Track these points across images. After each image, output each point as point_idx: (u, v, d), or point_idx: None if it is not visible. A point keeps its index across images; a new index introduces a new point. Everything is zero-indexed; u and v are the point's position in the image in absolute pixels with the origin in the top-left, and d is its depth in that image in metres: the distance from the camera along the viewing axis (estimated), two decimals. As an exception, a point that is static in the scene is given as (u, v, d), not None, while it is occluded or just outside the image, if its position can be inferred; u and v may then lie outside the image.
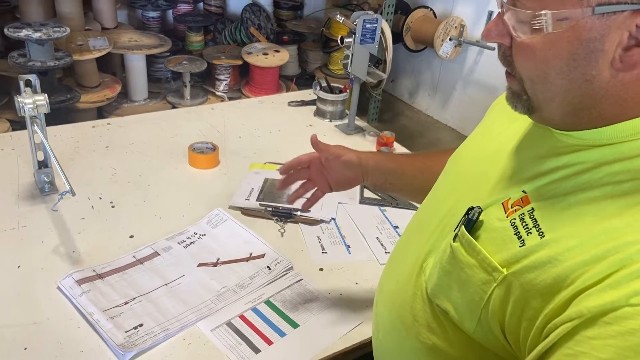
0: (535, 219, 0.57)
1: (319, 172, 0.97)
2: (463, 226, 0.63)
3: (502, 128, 0.74)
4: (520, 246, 0.57)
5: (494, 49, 2.81)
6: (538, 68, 0.55)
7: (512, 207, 0.60)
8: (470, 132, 0.94)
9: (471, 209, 0.63)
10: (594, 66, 0.52)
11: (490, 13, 2.84)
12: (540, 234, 0.56)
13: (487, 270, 0.59)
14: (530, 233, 0.57)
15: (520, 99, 0.60)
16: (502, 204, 0.62)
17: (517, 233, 0.58)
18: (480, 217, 0.62)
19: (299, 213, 1.24)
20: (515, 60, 0.58)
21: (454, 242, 0.64)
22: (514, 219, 0.59)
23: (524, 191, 0.61)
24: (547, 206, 0.58)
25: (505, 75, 0.62)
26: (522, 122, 0.69)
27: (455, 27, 2.90)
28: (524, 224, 0.58)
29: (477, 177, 0.70)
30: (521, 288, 0.56)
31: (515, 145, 0.67)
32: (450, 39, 2.91)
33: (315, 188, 0.99)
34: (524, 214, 0.59)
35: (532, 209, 0.58)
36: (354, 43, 1.50)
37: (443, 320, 0.67)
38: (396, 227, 1.25)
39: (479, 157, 0.73)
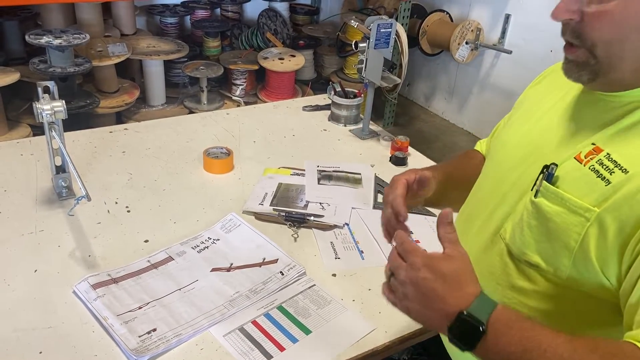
0: (614, 160, 0.65)
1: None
2: (544, 181, 0.70)
3: (550, 103, 0.80)
4: (606, 185, 0.64)
5: (510, 52, 2.78)
6: (617, 30, 0.62)
7: (586, 158, 0.68)
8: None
9: (547, 166, 0.70)
10: None
11: (507, 16, 2.81)
12: (624, 170, 0.63)
13: (577, 213, 0.66)
14: (613, 172, 0.64)
15: (587, 67, 0.67)
16: (575, 158, 0.69)
17: (599, 175, 0.65)
18: (556, 173, 0.70)
19: (312, 218, 1.24)
20: (590, 29, 0.64)
21: (535, 198, 0.71)
22: (592, 165, 0.67)
23: (593, 143, 0.68)
24: (622, 148, 0.65)
25: (565, 50, 0.69)
26: (568, 94, 0.77)
27: (472, 30, 2.88)
28: (604, 166, 0.65)
29: (536, 148, 0.77)
30: (617, 220, 0.62)
31: (569, 113, 0.75)
32: (466, 43, 2.89)
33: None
34: (601, 159, 0.66)
35: (608, 153, 0.66)
36: (368, 48, 1.50)
37: (532, 274, 0.73)
38: (410, 232, 1.24)
39: (533, 133, 0.80)
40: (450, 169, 0.98)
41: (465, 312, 0.61)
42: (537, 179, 0.72)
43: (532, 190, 0.72)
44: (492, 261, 0.79)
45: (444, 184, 0.93)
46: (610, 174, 0.64)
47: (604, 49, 0.64)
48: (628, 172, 0.63)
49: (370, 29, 1.46)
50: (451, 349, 0.93)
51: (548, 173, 0.70)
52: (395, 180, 0.88)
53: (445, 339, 0.94)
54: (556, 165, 0.70)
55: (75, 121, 1.18)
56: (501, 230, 0.77)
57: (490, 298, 0.63)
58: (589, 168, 0.67)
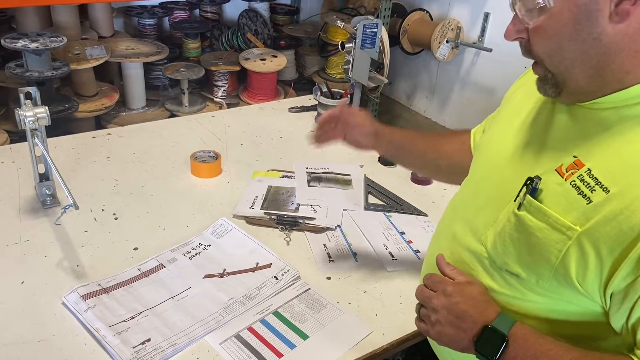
0: (595, 177, 0.65)
1: (342, 126, 1.07)
2: (528, 195, 0.70)
3: (529, 106, 0.81)
4: (587, 204, 0.64)
5: (491, 50, 2.81)
6: (552, 41, 0.65)
7: (567, 172, 0.68)
8: None
9: (530, 179, 0.70)
10: (596, 24, 0.61)
11: (487, 15, 2.84)
12: (604, 189, 0.63)
13: (560, 230, 0.66)
14: (594, 190, 0.64)
15: (547, 81, 0.69)
16: (556, 170, 0.69)
17: (580, 192, 0.65)
18: (539, 186, 0.70)
19: (304, 221, 1.23)
20: (533, 45, 0.68)
21: (519, 210, 0.71)
22: (573, 180, 0.66)
23: (574, 156, 0.68)
24: (602, 162, 0.65)
25: (532, 68, 0.72)
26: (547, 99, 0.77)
27: (452, 29, 2.90)
28: (585, 183, 0.65)
29: (519, 154, 0.77)
30: (600, 242, 0.62)
31: (552, 119, 0.74)
32: (447, 41, 2.91)
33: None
34: (582, 174, 0.66)
35: (589, 169, 0.66)
36: (354, 48, 1.49)
37: (513, 283, 0.74)
38: (402, 232, 1.24)
39: (514, 137, 0.80)
40: (413, 139, 1.07)
41: (489, 326, 0.70)
42: (520, 191, 0.72)
43: (515, 201, 0.73)
44: (472, 262, 0.80)
45: (400, 146, 1.05)
46: (592, 192, 0.64)
47: (549, 61, 0.67)
48: (609, 191, 0.63)
49: (356, 29, 1.46)
50: (440, 352, 0.93)
51: (532, 187, 0.70)
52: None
53: (434, 343, 0.94)
54: (540, 178, 0.70)
55: (53, 126, 1.14)
56: (483, 237, 0.78)
57: (509, 316, 0.72)
58: (571, 184, 0.67)
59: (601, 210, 0.63)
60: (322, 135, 1.07)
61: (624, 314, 0.63)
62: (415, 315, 0.81)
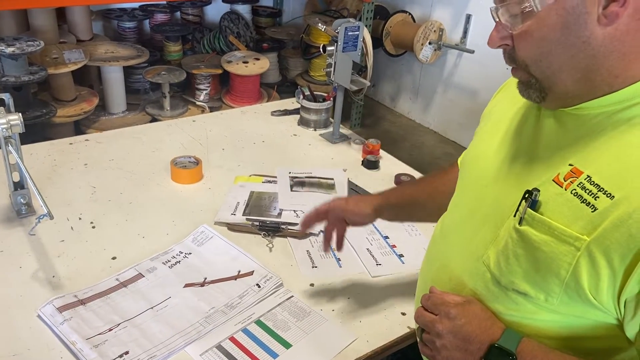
0: (596, 183, 0.62)
1: (337, 217, 1.02)
2: (529, 208, 0.67)
3: (511, 115, 0.79)
4: (592, 211, 0.62)
5: (473, 51, 2.82)
6: (539, 46, 0.64)
7: (565, 181, 0.65)
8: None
9: (529, 192, 0.67)
10: (585, 28, 0.60)
11: (469, 16, 2.85)
12: (609, 195, 0.61)
13: (567, 242, 0.63)
14: (598, 197, 0.62)
15: (531, 86, 0.67)
16: (554, 180, 0.66)
17: (583, 200, 0.63)
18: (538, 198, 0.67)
19: (286, 227, 1.21)
20: (518, 50, 0.66)
21: (520, 226, 0.68)
22: (574, 189, 0.64)
23: (570, 164, 0.66)
24: (601, 168, 0.63)
25: (512, 73, 0.70)
26: (535, 106, 0.74)
27: (434, 31, 2.91)
28: (587, 190, 0.63)
29: (509, 168, 0.75)
30: (610, 249, 0.60)
31: (541, 127, 0.72)
32: (429, 43, 2.92)
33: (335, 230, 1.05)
34: (582, 182, 0.64)
35: (589, 176, 0.63)
36: (336, 51, 1.48)
37: (521, 302, 0.71)
38: (386, 237, 1.23)
39: (501, 150, 0.78)
40: (410, 194, 1.04)
41: (496, 344, 0.69)
42: (520, 205, 0.68)
43: (514, 216, 0.69)
44: (474, 285, 0.77)
45: (401, 206, 1.03)
46: (595, 199, 0.62)
47: (535, 67, 0.66)
48: (614, 197, 0.60)
49: (337, 32, 1.45)
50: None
51: (532, 200, 0.67)
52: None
53: None
54: (538, 191, 0.67)
55: (31, 132, 1.12)
56: (484, 256, 0.74)
57: (515, 331, 0.71)
58: (572, 193, 0.64)
59: (608, 216, 0.60)
60: (307, 223, 1.04)
61: (638, 321, 0.62)
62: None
